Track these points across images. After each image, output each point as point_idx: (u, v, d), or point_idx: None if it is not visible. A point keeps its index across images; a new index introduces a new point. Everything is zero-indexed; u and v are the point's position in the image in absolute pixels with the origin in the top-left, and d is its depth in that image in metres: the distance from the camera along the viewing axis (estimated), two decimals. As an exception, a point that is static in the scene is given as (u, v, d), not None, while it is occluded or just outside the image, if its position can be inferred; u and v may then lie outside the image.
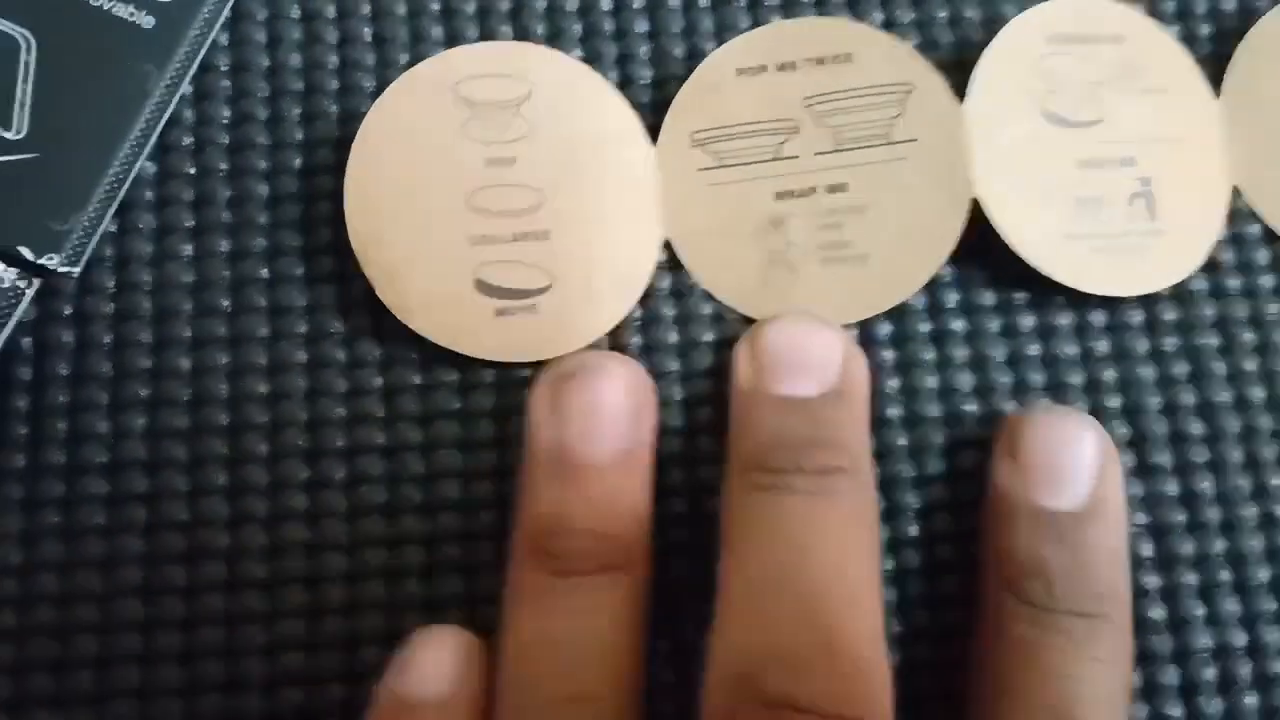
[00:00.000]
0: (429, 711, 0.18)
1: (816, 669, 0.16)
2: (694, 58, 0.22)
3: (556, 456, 0.18)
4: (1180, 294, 0.21)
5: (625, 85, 0.22)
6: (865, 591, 0.17)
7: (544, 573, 0.18)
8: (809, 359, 0.19)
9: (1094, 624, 0.18)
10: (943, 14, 0.22)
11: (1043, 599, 0.18)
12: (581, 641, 0.17)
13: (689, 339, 0.21)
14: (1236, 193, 0.22)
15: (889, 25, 0.22)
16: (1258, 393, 0.21)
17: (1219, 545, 0.20)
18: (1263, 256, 0.22)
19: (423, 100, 0.21)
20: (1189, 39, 0.22)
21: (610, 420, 0.19)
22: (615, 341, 0.20)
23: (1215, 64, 0.22)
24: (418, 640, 0.18)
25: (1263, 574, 0.20)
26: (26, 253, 0.19)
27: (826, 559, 0.17)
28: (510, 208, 0.21)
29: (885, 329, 0.21)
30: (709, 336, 0.21)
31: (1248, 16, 0.22)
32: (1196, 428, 0.21)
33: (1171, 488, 0.20)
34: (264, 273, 0.20)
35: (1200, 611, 0.20)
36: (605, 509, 0.18)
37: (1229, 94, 0.22)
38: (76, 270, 0.20)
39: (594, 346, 0.20)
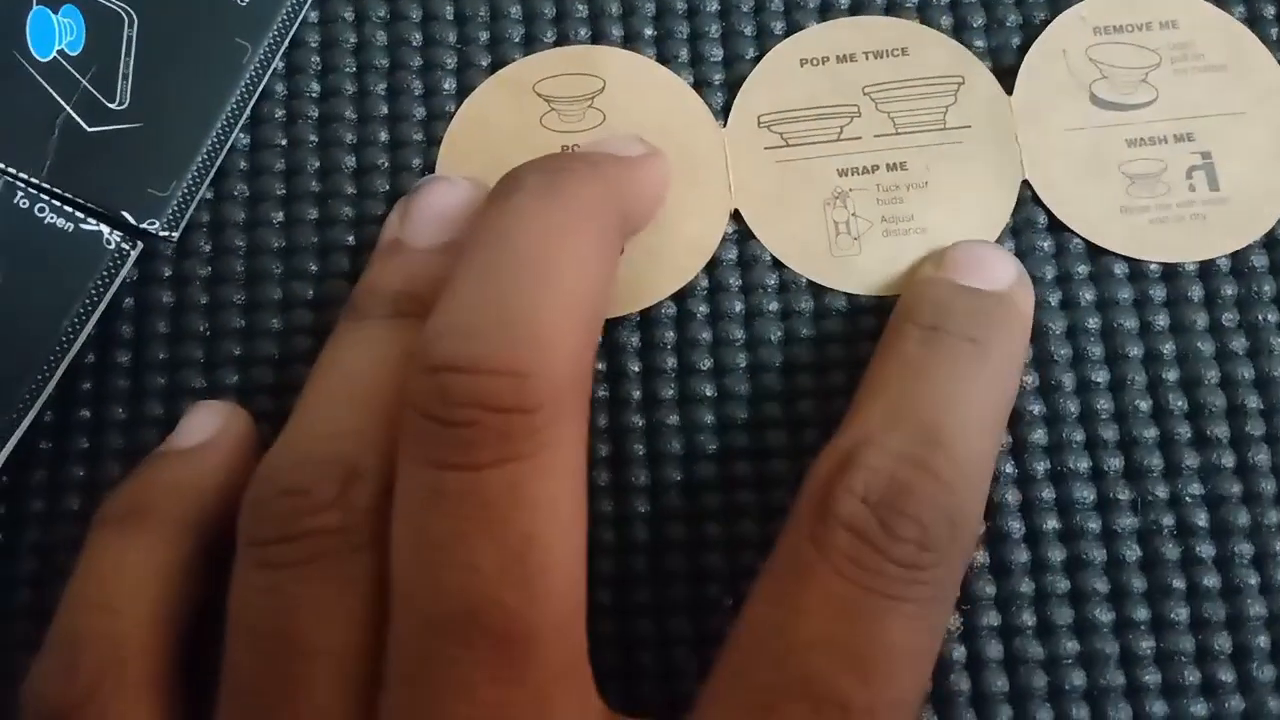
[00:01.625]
0: (182, 456, 0.19)
1: (484, 333, 0.16)
2: (762, 44, 0.22)
3: (387, 246, 0.20)
4: (1239, 269, 0.22)
5: (695, 66, 0.22)
6: (566, 272, 0.17)
7: (349, 320, 0.19)
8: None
9: (981, 350, 0.19)
10: (1013, 18, 0.23)
11: (938, 321, 0.19)
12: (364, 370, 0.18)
13: (753, 308, 0.21)
14: None
15: (958, 26, 0.23)
16: (1313, 368, 0.21)
17: (1274, 516, 0.20)
18: (1324, 231, 0.22)
19: (504, 99, 0.22)
20: (1252, 21, 0.23)
21: (437, 215, 0.20)
22: (681, 304, 0.21)
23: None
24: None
25: (1318, 545, 0.20)
26: (129, 217, 0.20)
27: (530, 251, 0.17)
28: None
29: (945, 301, 0.21)
30: (773, 306, 0.21)
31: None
32: (1253, 401, 0.21)
33: (1228, 459, 0.21)
34: (350, 239, 0.21)
35: (1254, 580, 0.20)
36: (414, 277, 0.19)
37: None
38: (175, 234, 0.21)
39: (661, 306, 0.21)
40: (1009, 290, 0.20)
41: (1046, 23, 0.23)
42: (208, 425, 0.20)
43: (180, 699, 0.17)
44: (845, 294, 0.21)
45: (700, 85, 0.22)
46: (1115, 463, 0.21)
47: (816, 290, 0.21)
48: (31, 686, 0.17)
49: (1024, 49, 0.22)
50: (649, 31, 0.23)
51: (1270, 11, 0.23)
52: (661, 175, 0.21)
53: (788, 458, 0.21)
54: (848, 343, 0.21)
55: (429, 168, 0.22)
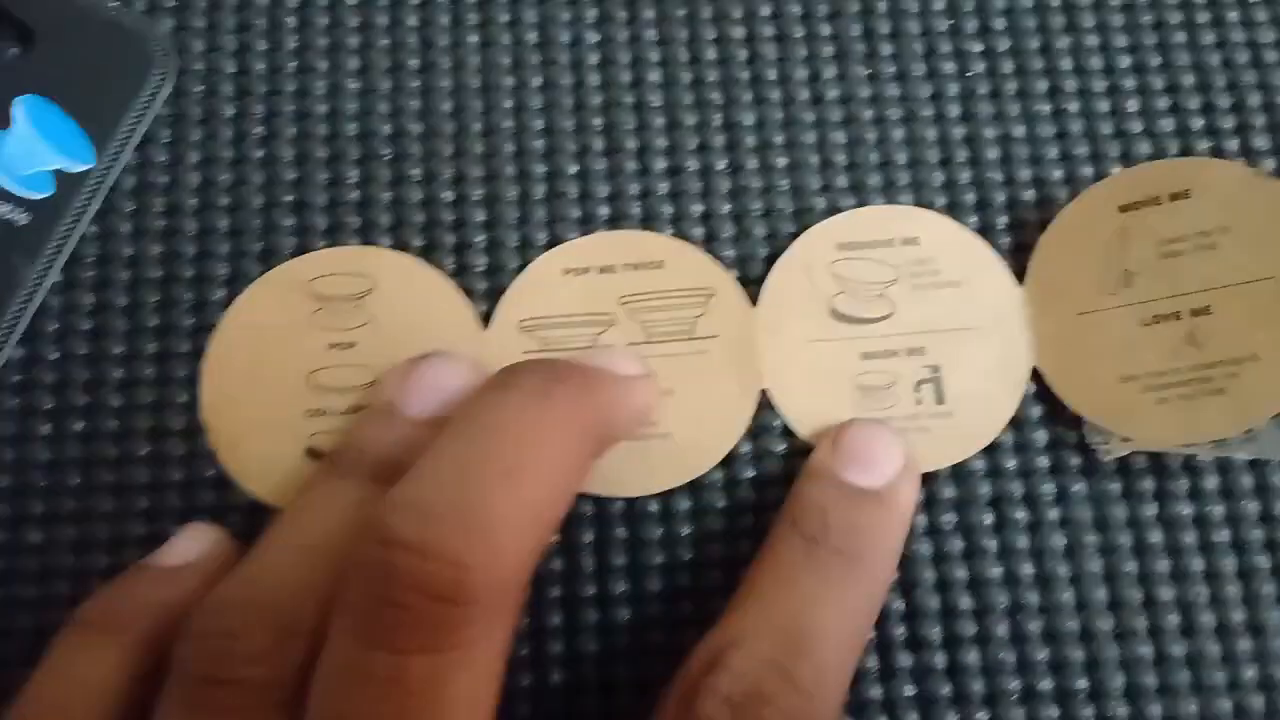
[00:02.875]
0: (163, 574, 0.20)
1: (439, 517, 0.16)
2: (526, 251, 0.24)
3: (380, 408, 0.21)
4: (959, 472, 0.23)
5: (460, 275, 0.24)
6: (535, 478, 0.17)
7: (326, 474, 0.20)
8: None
9: (852, 568, 0.20)
10: (760, 230, 0.24)
11: (817, 533, 0.20)
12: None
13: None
14: (1036, 374, 0.24)
15: (710, 237, 0.24)
16: (1027, 569, 0.23)
17: (981, 716, 0.22)
18: (1041, 437, 0.24)
19: (278, 295, 0.23)
20: (987, 229, 0.25)
21: (434, 388, 0.21)
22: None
23: (1017, 252, 0.24)
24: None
25: (1017, 744, 0.22)
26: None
27: (506, 449, 0.17)
28: (347, 385, 0.23)
29: (684, 504, 0.23)
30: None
31: (1047, 206, 0.25)
32: (965, 602, 0.22)
33: (939, 660, 0.22)
34: (113, 452, 0.22)
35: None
36: (398, 445, 0.20)
37: (1032, 281, 0.24)
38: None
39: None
40: (890, 486, 0.21)
41: (794, 236, 0.24)
42: (193, 547, 0.20)
43: None
44: (592, 496, 0.23)
45: (466, 291, 0.24)
46: (831, 665, 0.22)
47: (566, 494, 0.23)
48: None
49: (772, 260, 0.24)
50: (417, 242, 0.24)
51: (1002, 223, 0.25)
52: (649, 396, 0.22)
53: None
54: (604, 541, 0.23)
55: (194, 377, 0.23)
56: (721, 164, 0.25)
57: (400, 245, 0.24)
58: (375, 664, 0.16)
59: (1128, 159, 0.25)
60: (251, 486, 0.22)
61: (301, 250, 0.24)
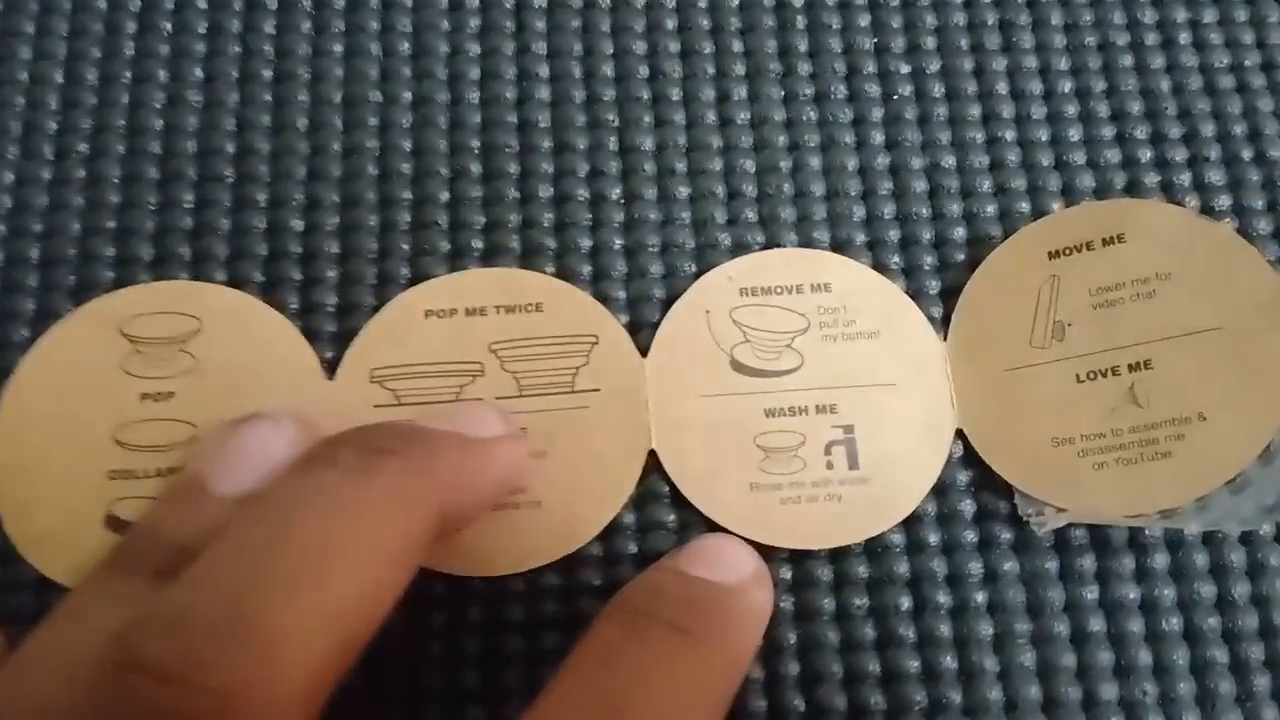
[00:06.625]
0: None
1: (193, 632, 0.14)
2: (384, 289, 0.21)
3: (184, 483, 0.18)
4: (874, 547, 0.20)
5: (306, 315, 0.21)
6: (338, 577, 0.15)
7: (110, 568, 0.17)
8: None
9: (689, 648, 0.16)
10: (657, 268, 0.22)
11: (648, 607, 0.17)
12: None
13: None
14: (962, 436, 0.21)
15: (598, 275, 0.21)
16: (949, 662, 0.20)
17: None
18: (968, 508, 0.21)
19: (87, 335, 0.20)
20: (911, 270, 0.22)
21: (249, 458, 0.18)
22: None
23: (945, 296, 0.22)
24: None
25: None
26: None
27: (306, 542, 0.15)
28: (159, 443, 0.20)
29: (553, 581, 0.20)
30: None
31: (977, 245, 0.22)
32: (878, 700, 0.19)
33: (851, 757, 0.19)
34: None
35: None
36: (201, 531, 0.16)
37: (956, 333, 0.21)
38: None
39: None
40: (740, 584, 0.18)
41: (694, 276, 0.21)
42: None
43: None
44: (446, 574, 0.20)
45: (311, 334, 0.21)
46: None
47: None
48: None
49: (668, 304, 0.21)
50: (258, 277, 0.21)
51: (929, 263, 0.22)
52: (514, 461, 0.19)
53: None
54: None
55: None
56: (614, 192, 0.22)
57: (237, 281, 0.21)
58: None
59: (1068, 192, 0.22)
60: (39, 561, 0.19)
61: (121, 284, 0.21)
